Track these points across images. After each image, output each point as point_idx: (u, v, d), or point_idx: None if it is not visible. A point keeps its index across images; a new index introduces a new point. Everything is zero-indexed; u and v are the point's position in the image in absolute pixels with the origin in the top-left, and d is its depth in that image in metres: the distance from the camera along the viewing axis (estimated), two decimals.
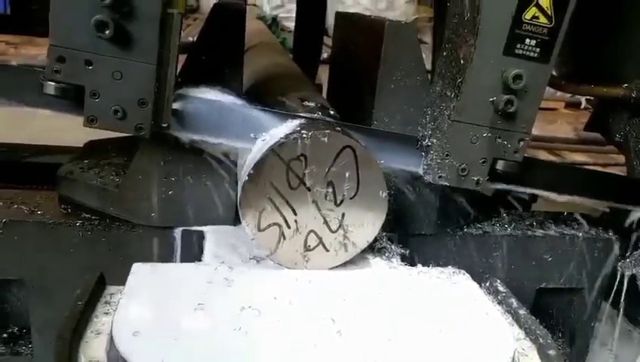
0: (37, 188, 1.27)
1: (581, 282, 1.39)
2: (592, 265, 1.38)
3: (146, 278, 0.91)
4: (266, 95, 1.34)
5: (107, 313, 0.88)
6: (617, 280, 1.31)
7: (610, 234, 1.38)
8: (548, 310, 1.46)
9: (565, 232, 1.36)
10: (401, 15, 7.41)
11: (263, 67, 1.83)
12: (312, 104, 1.14)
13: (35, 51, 5.29)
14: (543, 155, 4.43)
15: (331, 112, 1.15)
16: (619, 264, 1.31)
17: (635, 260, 1.25)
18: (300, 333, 0.81)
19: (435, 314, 0.91)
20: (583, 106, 6.04)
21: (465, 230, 1.30)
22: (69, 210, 1.15)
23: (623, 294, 1.28)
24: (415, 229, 1.23)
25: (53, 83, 0.85)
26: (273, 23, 7.63)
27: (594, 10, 1.35)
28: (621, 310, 1.32)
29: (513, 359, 0.84)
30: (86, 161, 1.26)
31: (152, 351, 0.73)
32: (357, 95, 1.26)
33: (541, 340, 0.91)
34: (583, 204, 1.30)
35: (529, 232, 1.34)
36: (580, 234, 1.36)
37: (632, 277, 1.27)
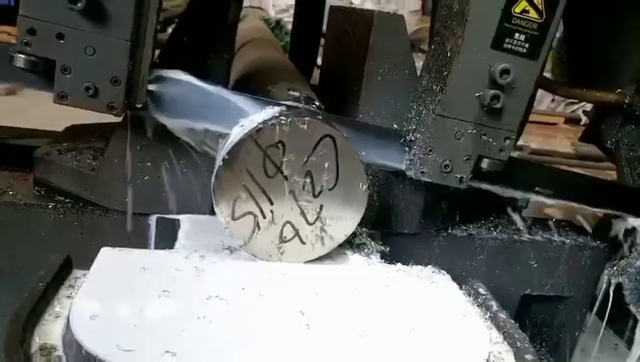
0: (14, 170, 1.24)
1: (567, 290, 1.36)
2: (579, 273, 1.35)
3: (112, 263, 0.88)
4: (254, 84, 1.32)
5: (70, 296, 0.85)
6: (603, 289, 1.27)
7: (598, 242, 1.35)
8: (532, 317, 1.43)
9: (553, 238, 1.33)
10: None
11: (255, 59, 1.80)
12: (296, 93, 1.11)
13: None
14: None
15: (316, 103, 1.12)
16: (605, 272, 1.28)
17: (622, 268, 1.22)
18: (266, 325, 0.78)
19: (410, 313, 0.88)
20: (582, 122, 6.03)
21: (449, 231, 1.27)
22: (43, 193, 1.12)
23: (609, 304, 1.25)
24: (398, 227, 1.20)
25: (23, 55, 0.82)
26: (277, 26, 7.64)
27: (590, 15, 1.33)
28: (605, 319, 1.29)
29: (487, 361, 0.81)
30: (65, 144, 1.23)
31: (107, 336, 0.70)
32: (345, 87, 1.24)
33: (518, 344, 0.88)
34: (579, 211, 1.28)
35: (515, 236, 1.31)
36: (568, 241, 1.33)
37: (618, 287, 1.24)
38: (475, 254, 1.28)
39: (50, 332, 0.76)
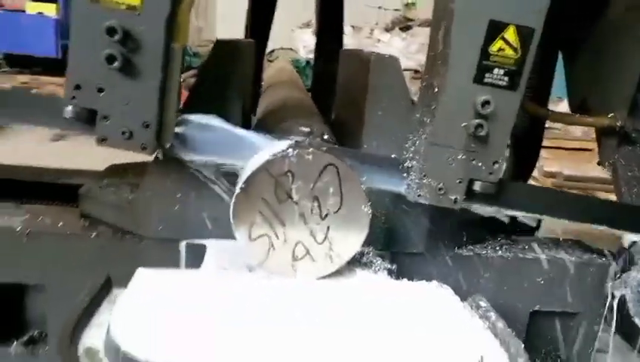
0: (63, 206, 1.40)
1: (575, 306, 1.41)
2: (586, 289, 1.40)
3: (147, 280, 1.02)
4: (273, 122, 1.46)
5: (110, 310, 0.98)
6: (607, 303, 1.33)
7: (604, 259, 1.40)
8: (545, 334, 1.48)
9: (557, 256, 1.39)
10: None
11: (278, 99, 1.96)
12: (307, 129, 1.24)
13: None
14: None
15: (325, 137, 1.25)
16: (609, 285, 1.33)
17: (624, 281, 1.28)
18: (279, 328, 0.89)
19: (410, 320, 0.97)
20: None
21: (456, 250, 1.35)
22: (87, 224, 1.27)
23: (615, 315, 1.30)
24: (406, 248, 1.30)
25: (70, 107, 0.98)
26: (307, 66, 7.96)
27: (580, 42, 1.43)
28: (612, 331, 1.33)
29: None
30: (105, 181, 1.39)
31: (142, 340, 0.83)
32: (353, 122, 1.36)
33: (512, 349, 0.96)
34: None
35: (520, 255, 1.38)
36: (573, 258, 1.39)
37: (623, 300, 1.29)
38: (481, 272, 1.36)
39: (93, 338, 0.89)
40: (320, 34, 2.80)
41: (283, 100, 1.92)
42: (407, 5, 10.43)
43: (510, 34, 1.01)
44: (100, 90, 0.98)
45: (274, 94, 2.15)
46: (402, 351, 0.88)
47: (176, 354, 0.81)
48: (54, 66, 6.49)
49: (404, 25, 9.77)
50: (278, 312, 0.96)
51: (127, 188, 1.35)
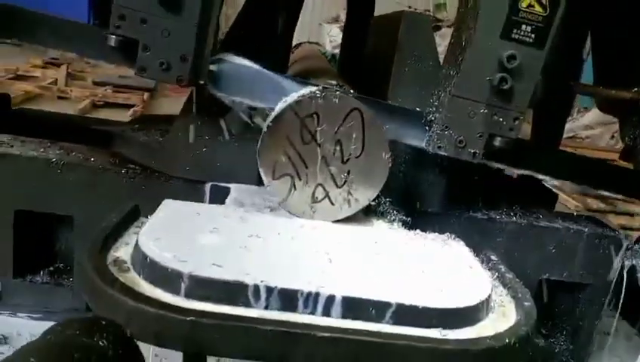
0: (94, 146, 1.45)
1: (585, 278, 1.43)
2: (598, 261, 1.42)
3: (173, 209, 1.07)
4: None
5: (137, 233, 1.03)
6: (617, 273, 1.34)
7: (617, 232, 1.42)
8: (551, 302, 1.50)
9: (570, 226, 1.41)
10: None
11: (305, 67, 2.01)
12: (334, 82, 1.28)
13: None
14: (595, 204, 4.35)
15: (351, 92, 1.29)
16: (620, 254, 1.35)
17: (635, 251, 1.29)
18: (295, 255, 0.93)
19: (422, 261, 1.01)
20: None
21: (470, 213, 1.38)
22: (117, 162, 1.33)
23: (624, 286, 1.32)
24: (421, 206, 1.33)
25: (114, 37, 1.03)
26: (332, 59, 8.00)
27: (608, 17, 1.44)
28: (620, 302, 1.35)
29: (488, 300, 0.92)
30: (137, 125, 1.45)
31: (168, 251, 0.87)
32: (378, 81, 1.40)
33: (519, 295, 0.99)
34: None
35: (534, 222, 1.40)
36: (586, 229, 1.41)
37: (632, 271, 1.31)
38: (494, 236, 1.38)
39: (120, 252, 0.94)
40: (348, 30, 2.82)
41: (310, 68, 1.96)
42: (437, 6, 10.41)
43: None
44: (143, 21, 1.03)
45: (300, 65, 2.20)
46: (412, 286, 0.91)
47: (197, 266, 0.85)
48: None
49: (433, 25, 9.74)
50: (294, 240, 1.00)
51: (157, 132, 1.41)
